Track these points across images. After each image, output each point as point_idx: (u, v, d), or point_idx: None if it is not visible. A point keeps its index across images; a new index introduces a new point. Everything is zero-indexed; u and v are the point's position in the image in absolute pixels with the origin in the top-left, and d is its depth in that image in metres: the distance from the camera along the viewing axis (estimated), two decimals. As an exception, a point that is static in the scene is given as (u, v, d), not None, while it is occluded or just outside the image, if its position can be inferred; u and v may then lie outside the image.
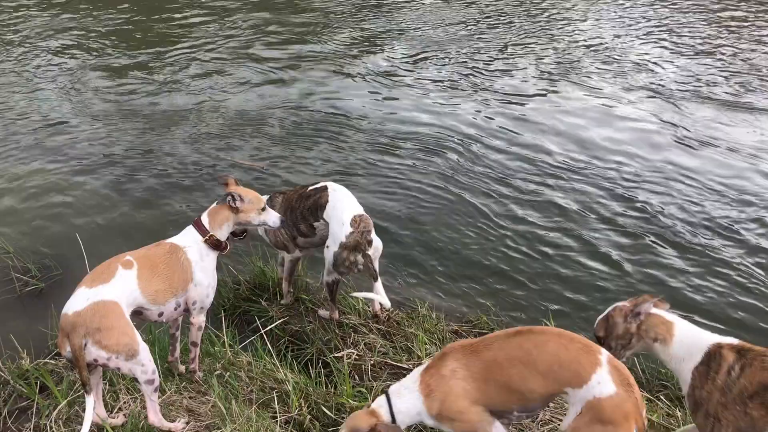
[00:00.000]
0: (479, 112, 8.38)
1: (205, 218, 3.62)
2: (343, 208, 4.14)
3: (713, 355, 2.91)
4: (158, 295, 3.39)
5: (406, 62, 10.17)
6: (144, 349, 3.16)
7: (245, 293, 4.92)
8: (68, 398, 3.58)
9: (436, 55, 10.43)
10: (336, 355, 4.03)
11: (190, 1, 13.60)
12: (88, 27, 12.02)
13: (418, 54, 10.51)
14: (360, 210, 4.15)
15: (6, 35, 11.67)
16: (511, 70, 9.73)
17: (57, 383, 3.74)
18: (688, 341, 3.01)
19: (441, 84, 9.33)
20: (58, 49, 10.89)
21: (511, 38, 11.13)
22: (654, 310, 3.10)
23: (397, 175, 6.92)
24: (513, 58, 10.24)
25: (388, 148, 7.48)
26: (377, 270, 4.07)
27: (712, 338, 3.00)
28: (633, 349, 3.12)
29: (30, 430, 3.50)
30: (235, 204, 3.60)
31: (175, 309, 3.54)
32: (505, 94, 8.95)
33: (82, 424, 3.06)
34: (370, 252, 4.01)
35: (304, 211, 4.36)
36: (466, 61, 10.10)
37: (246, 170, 7.05)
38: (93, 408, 3.11)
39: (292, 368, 3.91)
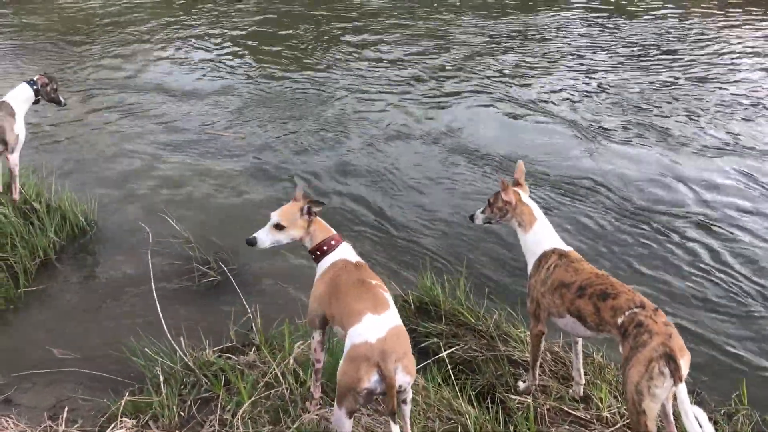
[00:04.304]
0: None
1: None
2: None
3: (546, 255, 3.65)
4: None
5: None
6: None
7: (413, 311, 4.89)
8: (252, 398, 3.68)
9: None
10: (514, 396, 3.89)
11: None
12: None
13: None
14: None
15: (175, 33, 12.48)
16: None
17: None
18: (538, 237, 3.74)
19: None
20: (231, 51, 11.52)
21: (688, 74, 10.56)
22: (529, 203, 3.80)
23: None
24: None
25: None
26: None
27: (554, 243, 3.71)
28: (507, 222, 3.86)
29: (216, 422, 3.62)
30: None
31: None
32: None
33: (263, 426, 3.09)
34: None
35: None
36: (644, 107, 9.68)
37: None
38: None
39: (469, 401, 3.81)
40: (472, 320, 4.70)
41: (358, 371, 2.91)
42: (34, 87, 6.01)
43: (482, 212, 3.99)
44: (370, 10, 14.57)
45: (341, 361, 3.05)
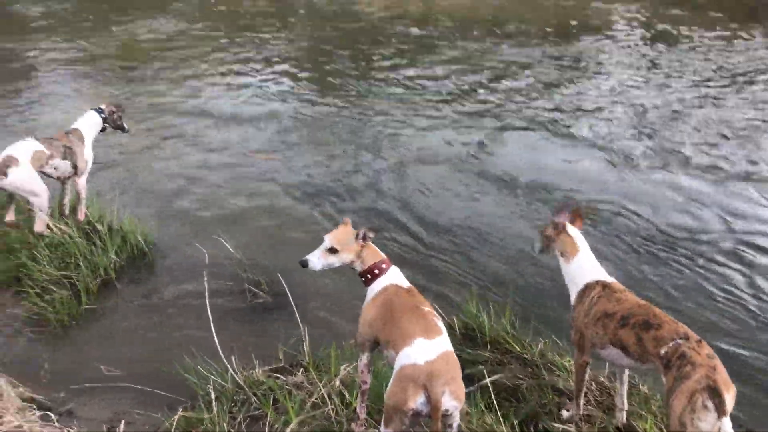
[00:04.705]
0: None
1: None
2: None
3: (590, 286, 3.70)
4: None
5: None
6: None
7: (458, 337, 4.94)
8: (300, 417, 3.79)
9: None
10: (558, 425, 3.90)
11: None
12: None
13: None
14: None
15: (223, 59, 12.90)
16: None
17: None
18: (580, 268, 3.80)
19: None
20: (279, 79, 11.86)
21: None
22: (573, 233, 3.86)
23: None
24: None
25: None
26: None
27: (598, 274, 3.75)
28: (552, 252, 3.97)
29: (263, 441, 3.74)
30: None
31: None
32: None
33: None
34: None
35: None
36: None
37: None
38: None
39: (512, 428, 3.83)
40: (517, 348, 4.73)
41: (405, 392, 2.98)
42: (102, 115, 6.34)
43: (539, 241, 4.13)
44: (409, 38, 14.80)
45: (390, 383, 3.13)
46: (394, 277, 3.59)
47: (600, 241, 6.54)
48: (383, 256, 3.65)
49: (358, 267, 3.61)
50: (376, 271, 3.56)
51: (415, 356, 3.06)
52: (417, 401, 2.98)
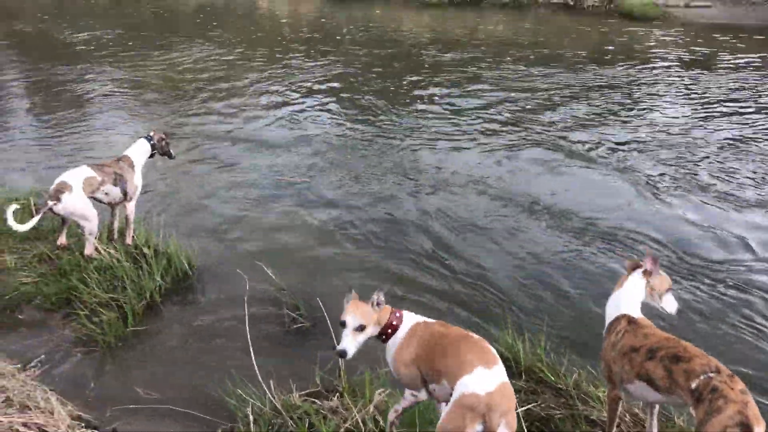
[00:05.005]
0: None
1: None
2: None
3: (618, 319, 3.80)
4: None
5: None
6: None
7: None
8: (334, 442, 3.88)
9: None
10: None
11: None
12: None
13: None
14: None
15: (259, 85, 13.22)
16: None
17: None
18: (614, 304, 3.92)
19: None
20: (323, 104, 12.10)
21: None
22: (633, 273, 3.96)
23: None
24: None
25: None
26: None
27: (627, 309, 3.82)
28: None
29: (300, 464, 3.83)
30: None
31: None
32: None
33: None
34: None
35: None
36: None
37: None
38: None
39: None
40: (552, 377, 4.74)
41: (464, 419, 3.09)
42: (151, 142, 6.61)
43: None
44: (441, 63, 14.97)
45: (447, 409, 3.22)
46: (412, 317, 3.68)
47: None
48: (389, 307, 3.70)
49: (376, 331, 3.64)
50: (395, 323, 3.63)
51: (476, 385, 3.15)
52: (474, 430, 3.07)
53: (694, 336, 5.44)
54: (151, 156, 6.68)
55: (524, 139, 10.25)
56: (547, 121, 11.03)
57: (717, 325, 5.78)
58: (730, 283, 6.40)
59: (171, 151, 6.82)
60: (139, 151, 6.54)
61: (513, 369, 4.92)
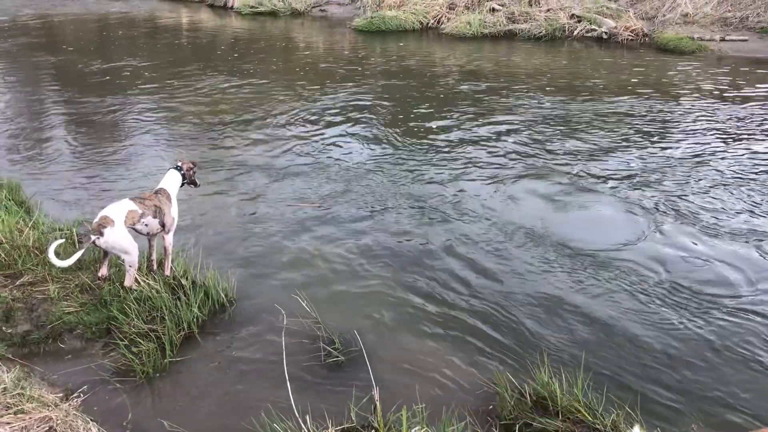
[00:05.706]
0: None
1: None
2: None
3: None
4: None
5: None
6: None
7: (529, 406, 4.93)
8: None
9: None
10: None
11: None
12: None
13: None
14: None
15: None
16: None
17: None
18: None
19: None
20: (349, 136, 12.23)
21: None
22: None
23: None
24: None
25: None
26: None
27: None
28: None
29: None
30: None
31: None
32: None
33: None
34: None
35: None
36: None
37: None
38: None
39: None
40: (590, 417, 4.69)
41: None
42: (181, 172, 6.77)
43: None
44: (456, 93, 15.04)
45: None
46: None
47: (629, 299, 6.44)
48: None
49: None
50: None
51: None
52: None
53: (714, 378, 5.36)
54: (182, 185, 6.83)
55: (554, 171, 10.20)
56: (575, 151, 11.01)
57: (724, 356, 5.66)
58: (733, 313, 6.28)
59: (196, 179, 6.98)
60: (173, 183, 6.70)
61: (549, 408, 4.88)
